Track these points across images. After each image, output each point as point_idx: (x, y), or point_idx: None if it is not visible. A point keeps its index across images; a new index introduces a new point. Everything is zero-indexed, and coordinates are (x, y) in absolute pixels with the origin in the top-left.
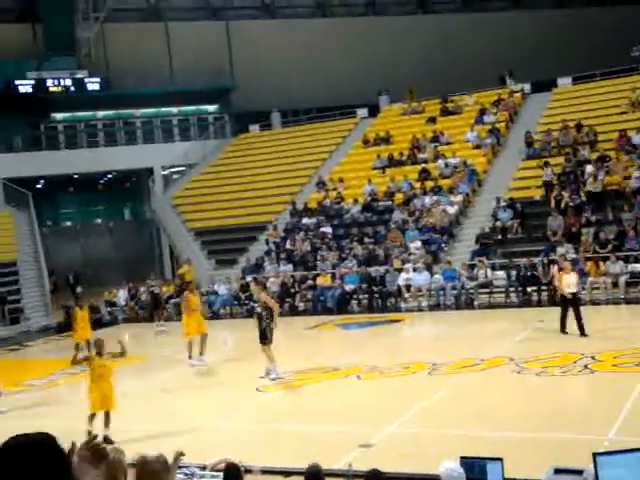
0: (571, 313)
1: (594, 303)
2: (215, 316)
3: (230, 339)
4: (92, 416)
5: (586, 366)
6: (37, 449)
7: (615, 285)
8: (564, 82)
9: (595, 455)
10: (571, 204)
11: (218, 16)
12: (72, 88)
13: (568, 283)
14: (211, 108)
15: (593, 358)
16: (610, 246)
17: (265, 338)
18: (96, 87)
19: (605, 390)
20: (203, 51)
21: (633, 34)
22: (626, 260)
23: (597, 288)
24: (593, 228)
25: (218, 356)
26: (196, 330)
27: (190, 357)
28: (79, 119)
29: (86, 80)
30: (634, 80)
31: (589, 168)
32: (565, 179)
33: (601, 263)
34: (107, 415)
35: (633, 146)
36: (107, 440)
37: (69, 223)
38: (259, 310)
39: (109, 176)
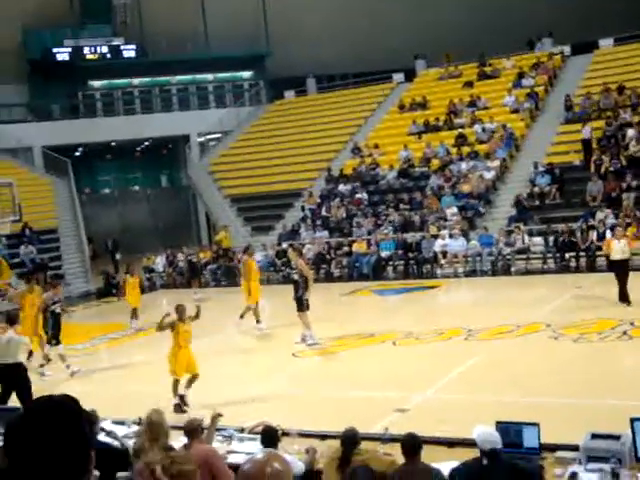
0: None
1: (634, 269)
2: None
3: (267, 305)
4: (177, 382)
5: (625, 332)
6: (58, 411)
7: None
8: (605, 43)
9: (632, 420)
10: (611, 169)
11: None
12: (108, 55)
13: (617, 249)
14: (246, 74)
15: (632, 324)
16: None
17: (302, 304)
18: (132, 54)
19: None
20: (238, 17)
21: None
22: None
23: (638, 254)
24: (634, 193)
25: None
26: (257, 297)
27: (258, 322)
28: (116, 86)
29: (122, 47)
30: None
31: (631, 132)
32: (605, 143)
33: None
34: (193, 379)
35: None
36: (183, 400)
37: (107, 190)
38: (296, 277)
39: (146, 143)
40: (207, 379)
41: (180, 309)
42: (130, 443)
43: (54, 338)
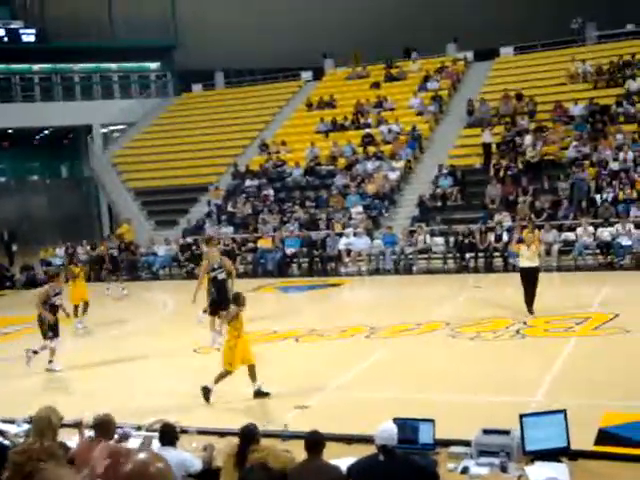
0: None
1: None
2: (154, 277)
3: (169, 301)
4: (227, 374)
5: (518, 331)
6: None
7: (548, 253)
8: (506, 51)
9: (521, 416)
10: (509, 173)
11: None
12: (5, 39)
13: (525, 256)
14: (153, 65)
15: (525, 324)
16: (545, 215)
17: (226, 306)
18: (32, 39)
19: (535, 354)
20: (145, 7)
21: (573, 6)
22: (560, 229)
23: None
24: (529, 197)
25: (158, 317)
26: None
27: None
28: (14, 71)
29: (21, 31)
30: (573, 52)
31: (528, 138)
32: (504, 148)
33: (537, 230)
34: (252, 370)
35: (570, 117)
36: (260, 393)
37: (2, 179)
38: (223, 276)
39: (45, 132)
40: (116, 374)
41: (241, 297)
42: (20, 441)
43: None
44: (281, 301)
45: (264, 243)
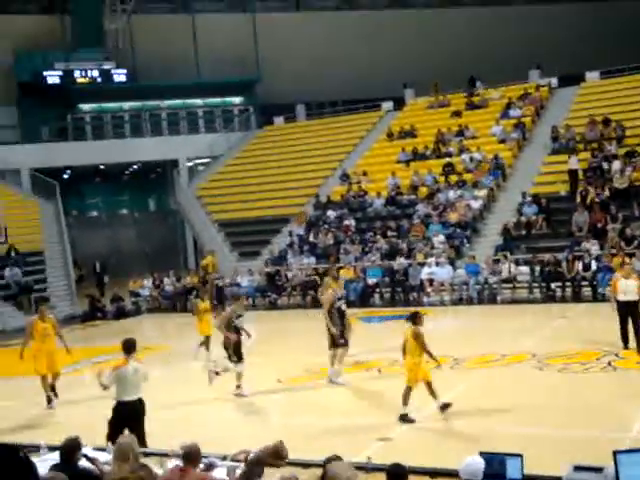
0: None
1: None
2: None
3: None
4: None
5: (609, 363)
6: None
7: None
8: (592, 76)
9: (615, 453)
10: (597, 200)
11: (245, 9)
12: (99, 79)
13: (624, 289)
14: (236, 100)
15: (616, 355)
16: (636, 242)
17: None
18: (123, 79)
19: (628, 387)
20: (229, 43)
21: None
22: None
23: None
24: (619, 224)
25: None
26: None
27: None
28: (106, 110)
29: (113, 71)
30: None
31: (616, 164)
32: (591, 174)
33: (627, 259)
34: (430, 386)
35: None
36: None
37: (95, 213)
38: (345, 307)
39: (134, 167)
40: (185, 403)
41: (418, 315)
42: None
43: None
44: (363, 331)
45: (346, 273)
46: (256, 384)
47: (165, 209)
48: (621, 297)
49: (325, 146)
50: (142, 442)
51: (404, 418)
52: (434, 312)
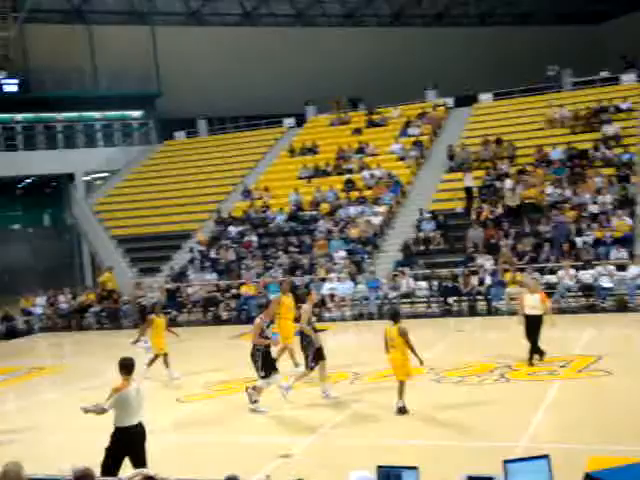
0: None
1: (512, 313)
2: (137, 325)
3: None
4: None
5: (502, 375)
6: None
7: None
8: (485, 98)
9: (505, 462)
10: (490, 216)
11: (145, 21)
12: None
13: (531, 304)
14: (136, 114)
15: (509, 367)
16: (527, 258)
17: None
18: (14, 89)
19: (519, 398)
20: (128, 56)
21: (548, 54)
22: (541, 272)
23: (514, 299)
24: (511, 240)
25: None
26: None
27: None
28: None
29: (3, 81)
30: (549, 98)
31: (508, 182)
32: (485, 192)
33: (518, 274)
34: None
35: (549, 161)
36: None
37: None
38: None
39: (28, 181)
40: (91, 425)
41: (398, 312)
42: None
43: None
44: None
45: (247, 289)
46: (155, 403)
47: (61, 224)
48: (527, 311)
49: (227, 162)
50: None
51: (401, 410)
52: (335, 327)
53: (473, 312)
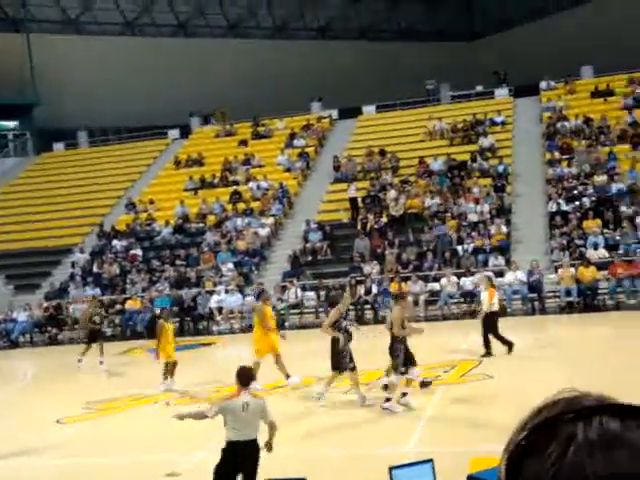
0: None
1: None
2: (14, 345)
3: (30, 369)
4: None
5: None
6: None
7: (416, 304)
8: (368, 110)
9: (390, 469)
10: (375, 226)
11: (18, 28)
12: None
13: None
14: (11, 124)
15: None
16: (411, 266)
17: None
18: None
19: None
20: (1, 64)
21: (427, 69)
22: (425, 280)
23: None
24: (396, 249)
25: (16, 387)
26: (268, 349)
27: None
28: None
29: None
30: (429, 111)
31: (392, 193)
32: (370, 202)
33: (403, 283)
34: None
35: (430, 172)
36: None
37: None
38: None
39: None
40: None
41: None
42: None
43: None
44: (151, 364)
45: (133, 304)
46: (34, 425)
47: None
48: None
49: (110, 174)
50: None
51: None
52: (224, 340)
53: (360, 321)
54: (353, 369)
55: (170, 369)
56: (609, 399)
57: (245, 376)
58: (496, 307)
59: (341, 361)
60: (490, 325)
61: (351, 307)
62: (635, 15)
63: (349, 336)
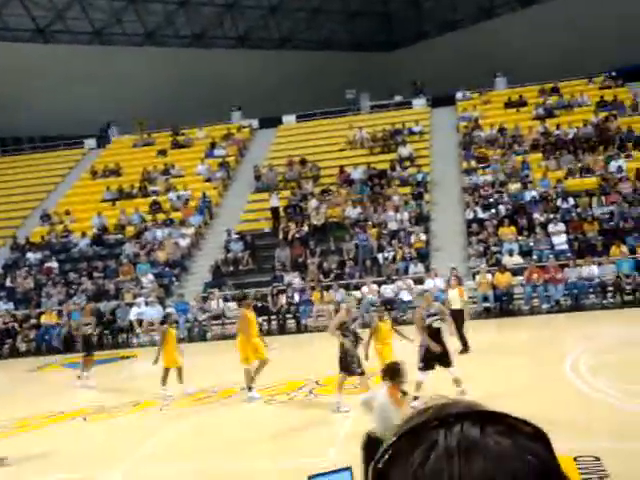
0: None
1: (319, 330)
2: None
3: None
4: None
5: (310, 391)
6: None
7: (337, 312)
8: (289, 119)
9: (309, 478)
10: (297, 235)
11: None
12: None
13: (450, 298)
14: None
15: (317, 383)
16: (332, 275)
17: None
18: None
19: (325, 413)
20: None
21: (347, 78)
22: (347, 288)
23: (322, 316)
24: (317, 258)
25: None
26: (253, 355)
27: (250, 389)
28: None
29: None
30: (349, 120)
31: (313, 202)
32: (291, 211)
33: (325, 292)
34: None
35: (351, 181)
36: None
37: None
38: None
39: None
40: None
41: None
42: None
43: None
44: (68, 379)
45: (48, 318)
46: None
47: None
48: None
49: (23, 185)
50: None
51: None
52: (144, 353)
53: (283, 330)
54: (362, 373)
55: (178, 374)
56: (476, 406)
57: (391, 371)
58: (462, 304)
59: (350, 364)
60: (459, 321)
61: (273, 317)
62: (543, 29)
63: (356, 339)
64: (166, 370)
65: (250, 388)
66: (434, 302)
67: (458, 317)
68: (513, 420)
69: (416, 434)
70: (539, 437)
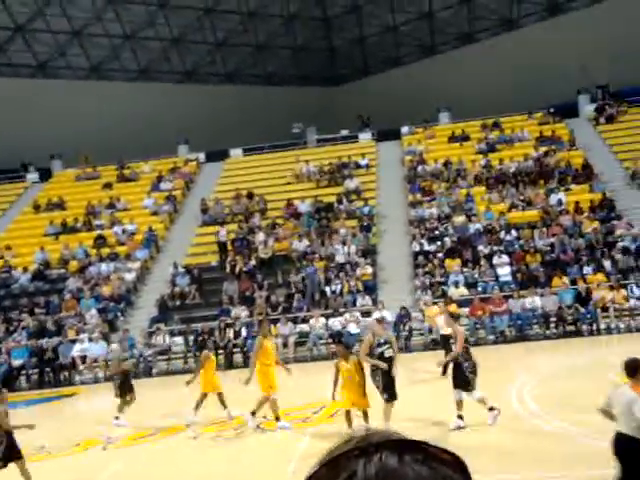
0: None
1: None
2: None
3: None
4: None
5: (258, 426)
6: None
7: (285, 345)
8: (235, 153)
9: None
10: (245, 269)
11: None
12: None
13: (440, 324)
14: None
15: (265, 417)
16: (280, 308)
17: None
18: None
19: (274, 448)
20: None
21: (293, 112)
22: (294, 321)
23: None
24: (265, 292)
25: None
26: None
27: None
28: None
29: None
30: (296, 154)
31: (260, 235)
32: (239, 245)
33: (273, 326)
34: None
35: (298, 214)
36: None
37: None
38: (390, 353)
39: None
40: None
41: None
42: None
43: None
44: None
45: None
46: None
47: None
48: (441, 332)
49: None
50: None
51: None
52: (87, 390)
53: (230, 365)
54: (388, 400)
55: (221, 400)
56: (396, 435)
57: (632, 367)
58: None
59: (393, 388)
60: (447, 347)
61: (220, 351)
62: (483, 66)
63: (387, 362)
64: (203, 395)
65: (277, 418)
66: (385, 331)
67: (447, 343)
68: (432, 448)
69: (337, 463)
70: (457, 465)
